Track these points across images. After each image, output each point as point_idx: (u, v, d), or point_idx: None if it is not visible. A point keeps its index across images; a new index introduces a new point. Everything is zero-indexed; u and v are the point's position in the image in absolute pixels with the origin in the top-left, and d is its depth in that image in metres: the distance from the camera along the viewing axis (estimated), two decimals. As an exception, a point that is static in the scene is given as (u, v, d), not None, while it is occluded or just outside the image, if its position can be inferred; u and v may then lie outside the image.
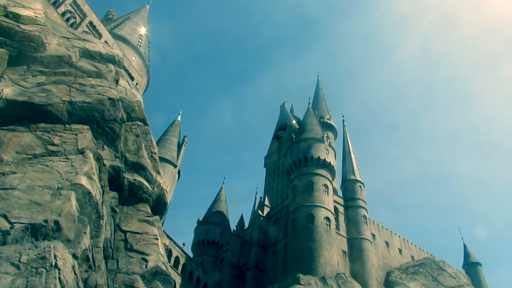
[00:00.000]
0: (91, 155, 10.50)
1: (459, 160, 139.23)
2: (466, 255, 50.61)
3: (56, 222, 7.75)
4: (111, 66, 14.93)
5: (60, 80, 12.19)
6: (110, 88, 13.08)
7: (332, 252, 31.80)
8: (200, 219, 49.77)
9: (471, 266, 48.74)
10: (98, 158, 11.21)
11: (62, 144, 10.37)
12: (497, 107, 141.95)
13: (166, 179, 34.56)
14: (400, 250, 42.09)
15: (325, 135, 41.91)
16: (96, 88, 12.63)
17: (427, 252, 45.23)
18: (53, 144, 10.23)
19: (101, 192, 10.61)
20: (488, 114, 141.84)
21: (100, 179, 10.91)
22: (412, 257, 42.57)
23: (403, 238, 44.07)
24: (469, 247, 51.76)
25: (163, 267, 11.51)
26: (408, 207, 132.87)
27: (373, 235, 39.34)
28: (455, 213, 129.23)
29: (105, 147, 12.07)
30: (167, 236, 28.07)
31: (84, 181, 9.29)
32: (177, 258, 30.42)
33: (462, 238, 54.24)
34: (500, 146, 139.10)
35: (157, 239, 12.32)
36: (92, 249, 9.08)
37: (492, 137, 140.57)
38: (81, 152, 10.38)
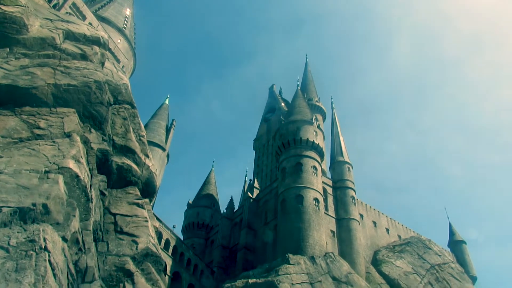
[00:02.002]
0: (78, 138, 10.42)
1: (445, 142, 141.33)
2: (451, 233, 51.80)
3: (45, 206, 7.75)
4: (96, 49, 14.69)
5: (44, 62, 11.98)
6: (96, 70, 12.91)
7: (321, 232, 32.29)
8: (190, 202, 49.97)
9: (456, 244, 49.95)
10: (86, 142, 11.14)
11: (48, 128, 10.27)
12: (483, 89, 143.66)
13: (155, 163, 34.49)
14: (387, 230, 42.92)
15: (314, 117, 42.04)
16: (82, 70, 12.46)
17: (413, 231, 46.21)
18: (39, 128, 10.13)
19: (90, 175, 10.59)
20: (474, 96, 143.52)
21: (88, 163, 10.87)
22: (399, 236, 43.48)
23: (391, 218, 44.90)
24: (454, 226, 53.00)
25: (154, 249, 11.62)
26: (395, 188, 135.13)
27: (361, 215, 40.00)
28: (441, 194, 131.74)
29: (92, 130, 11.98)
30: (157, 218, 28.16)
31: (71, 164, 9.25)
32: (167, 241, 30.61)
33: (448, 217, 55.16)
34: (485, 128, 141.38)
35: (147, 221, 12.39)
36: (81, 231, 9.12)
37: (477, 119, 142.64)
38: (68, 135, 10.30)
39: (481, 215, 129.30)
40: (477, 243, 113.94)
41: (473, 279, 45.31)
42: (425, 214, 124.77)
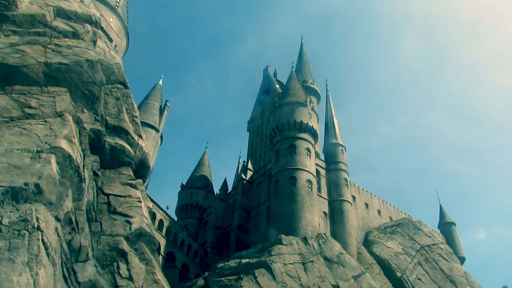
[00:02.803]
0: (70, 118, 10.32)
1: (438, 125, 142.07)
2: (442, 215, 52.59)
3: (37, 185, 7.71)
4: (88, 27, 14.42)
5: (35, 40, 11.75)
6: (88, 49, 12.69)
7: (313, 213, 32.62)
8: (184, 183, 50.09)
9: (446, 226, 50.80)
10: (78, 121, 11.04)
11: (40, 107, 10.15)
12: (477, 74, 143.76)
13: (149, 144, 34.38)
14: (379, 211, 43.46)
15: (308, 99, 41.93)
16: (73, 49, 12.25)
17: (404, 213, 46.83)
18: (30, 107, 10.00)
19: (82, 155, 10.53)
20: (468, 80, 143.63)
21: (80, 143, 10.80)
22: (391, 218, 44.07)
23: (382, 200, 45.42)
24: (445, 208, 53.78)
25: (147, 229, 11.68)
26: (388, 171, 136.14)
27: (354, 197, 40.40)
28: (433, 176, 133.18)
29: (85, 110, 11.87)
30: (151, 199, 28.25)
31: (64, 144, 9.18)
32: (161, 221, 30.78)
33: (439, 199, 55.84)
34: (478, 112, 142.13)
35: (140, 202, 12.43)
36: (75, 211, 9.12)
37: (470, 103, 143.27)
38: (60, 115, 10.19)
39: (472, 197, 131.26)
40: (466, 224, 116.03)
41: (462, 259, 46.29)
42: (416, 196, 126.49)
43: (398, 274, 33.92)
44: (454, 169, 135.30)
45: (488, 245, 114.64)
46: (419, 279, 34.86)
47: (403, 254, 36.96)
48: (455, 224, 51.31)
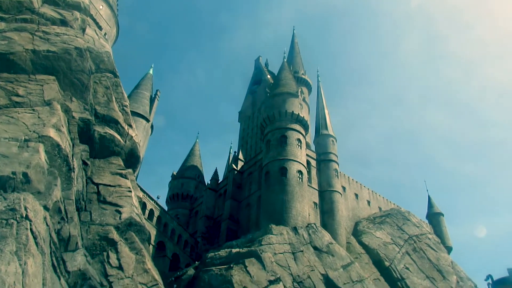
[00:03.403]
0: (58, 106, 10.21)
1: (428, 117, 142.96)
2: (430, 206, 53.28)
3: (25, 174, 7.64)
4: (77, 14, 14.20)
5: (22, 27, 11.55)
6: (77, 37, 12.52)
7: (304, 204, 32.83)
8: (175, 173, 49.98)
9: (434, 216, 51.52)
10: (67, 110, 10.93)
11: (28, 95, 10.02)
12: (469, 66, 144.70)
13: (139, 133, 34.17)
14: (368, 202, 43.87)
15: (300, 90, 41.91)
16: (61, 36, 12.07)
17: (394, 204, 47.35)
18: (17, 95, 9.87)
19: (71, 144, 10.44)
20: (460, 73, 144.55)
21: (69, 132, 10.70)
22: (380, 208, 44.53)
23: (372, 191, 45.83)
24: (433, 199, 54.47)
25: (137, 219, 11.67)
26: (378, 162, 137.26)
27: (344, 188, 40.70)
28: (422, 168, 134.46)
29: (74, 99, 11.74)
30: (141, 189, 28.17)
31: (52, 133, 9.09)
32: (151, 211, 30.74)
33: (427, 190, 56.53)
34: (468, 105, 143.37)
35: (130, 191, 12.39)
36: (64, 201, 9.07)
37: (461, 96, 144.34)
38: (48, 103, 10.07)
39: (460, 188, 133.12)
40: (454, 215, 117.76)
41: (449, 249, 47.08)
42: (406, 187, 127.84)
43: (387, 264, 34.42)
44: (443, 161, 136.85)
45: (475, 235, 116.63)
46: (407, 268, 35.41)
47: (392, 244, 37.45)
48: (443, 215, 52.07)
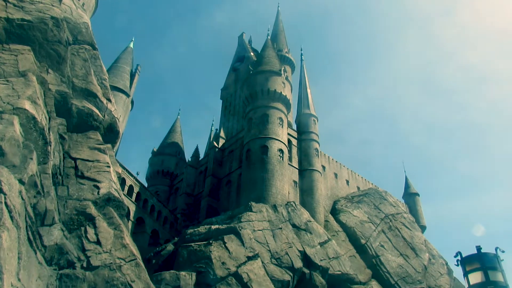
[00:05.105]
0: (34, 78, 9.90)
1: (407, 98, 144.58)
2: (407, 186, 54.67)
3: (-1, 147, 7.45)
4: (53, -18, 13.62)
5: (-6, -7, 11.02)
6: (53, 6, 12.05)
7: (283, 182, 33.21)
8: (155, 149, 49.61)
9: (410, 196, 52.97)
10: (43, 82, 10.61)
11: (1, 66, 9.67)
12: (451, 49, 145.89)
13: (119, 108, 33.60)
14: (347, 181, 44.63)
15: (283, 68, 41.72)
16: (37, 5, 11.59)
17: (372, 183, 48.33)
18: (-10, 65, 9.50)
19: (47, 118, 10.20)
20: (442, 55, 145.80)
21: (45, 104, 10.43)
22: (358, 188, 45.41)
23: (351, 170, 46.59)
24: (410, 179, 55.84)
25: (116, 194, 11.59)
26: (357, 142, 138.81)
27: (323, 167, 41.23)
28: (400, 149, 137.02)
29: (50, 70, 11.40)
30: (120, 165, 27.88)
31: (27, 105, 8.84)
32: (131, 187, 30.57)
33: (405, 171, 58.22)
34: (447, 88, 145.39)
35: (109, 166, 12.26)
36: (40, 175, 8.91)
37: (441, 78, 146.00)
38: (23, 74, 9.75)
39: (435, 169, 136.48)
40: (429, 195, 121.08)
41: (423, 228, 48.67)
42: (384, 167, 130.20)
43: (363, 241, 35.36)
44: (419, 142, 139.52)
45: (448, 214, 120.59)
46: (382, 246, 36.48)
47: (368, 222, 38.40)
48: (418, 195, 53.53)
